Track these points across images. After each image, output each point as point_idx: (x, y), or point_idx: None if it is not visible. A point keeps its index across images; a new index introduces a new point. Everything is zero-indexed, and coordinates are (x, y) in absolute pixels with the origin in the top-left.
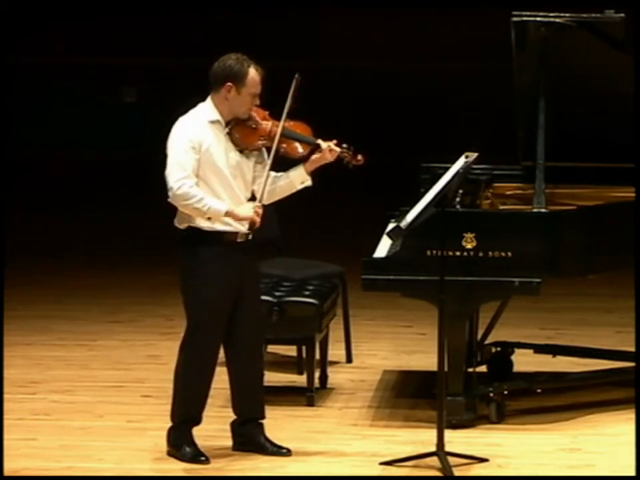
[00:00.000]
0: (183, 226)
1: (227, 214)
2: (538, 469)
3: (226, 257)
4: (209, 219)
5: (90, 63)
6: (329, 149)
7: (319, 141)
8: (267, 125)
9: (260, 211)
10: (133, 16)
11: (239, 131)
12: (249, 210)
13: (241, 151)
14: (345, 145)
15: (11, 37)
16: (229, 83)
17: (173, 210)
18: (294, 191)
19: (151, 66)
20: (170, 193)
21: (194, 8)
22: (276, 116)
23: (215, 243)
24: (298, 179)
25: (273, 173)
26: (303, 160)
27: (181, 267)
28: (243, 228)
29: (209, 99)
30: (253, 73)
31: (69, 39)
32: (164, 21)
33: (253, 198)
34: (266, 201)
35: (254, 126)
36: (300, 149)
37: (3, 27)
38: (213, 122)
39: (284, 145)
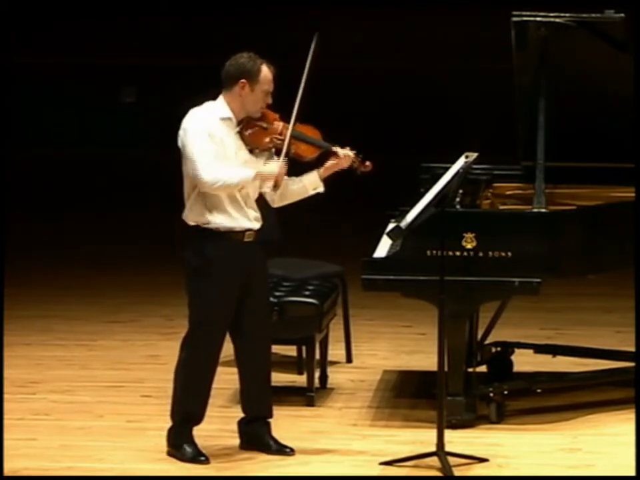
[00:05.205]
0: (191, 222)
1: (256, 177)
2: (538, 469)
3: (232, 256)
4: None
5: (90, 63)
6: (344, 155)
7: (336, 148)
8: (278, 125)
9: (285, 166)
10: (133, 16)
11: (250, 131)
12: (274, 168)
13: (250, 151)
14: (354, 152)
15: (11, 36)
16: (243, 80)
17: (174, 210)
18: (305, 196)
19: (151, 66)
20: (199, 184)
21: (194, 8)
22: (286, 119)
23: (221, 243)
24: (311, 184)
25: (285, 177)
26: (311, 163)
27: (185, 265)
28: (250, 224)
29: (220, 98)
30: (265, 70)
31: (69, 39)
32: (164, 21)
33: (260, 197)
34: (277, 205)
35: (265, 126)
36: (310, 151)
37: (2, 26)
38: (224, 119)
39: (294, 146)
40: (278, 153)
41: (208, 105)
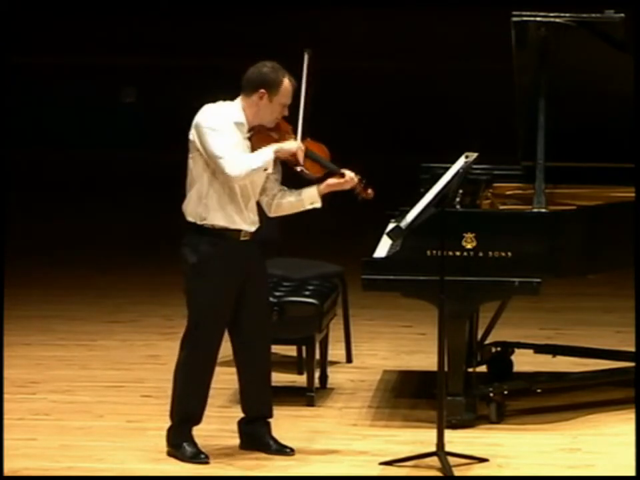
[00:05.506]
0: (189, 217)
1: (277, 153)
2: (538, 468)
3: (229, 255)
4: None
5: (90, 63)
6: (350, 179)
7: (344, 170)
8: (289, 139)
9: (303, 146)
10: (132, 16)
11: (261, 139)
12: (293, 143)
13: None
14: (358, 176)
15: (11, 37)
16: (262, 90)
17: (174, 209)
18: (301, 209)
19: (151, 66)
20: (227, 180)
21: (194, 8)
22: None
23: (218, 241)
24: (309, 198)
25: (284, 188)
26: (313, 182)
27: (182, 262)
28: (247, 227)
29: (237, 100)
30: (286, 83)
31: (69, 38)
32: (164, 20)
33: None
34: (273, 214)
35: (276, 137)
36: (315, 170)
37: (2, 26)
38: (237, 123)
39: (302, 163)
40: (282, 165)
41: (224, 105)
